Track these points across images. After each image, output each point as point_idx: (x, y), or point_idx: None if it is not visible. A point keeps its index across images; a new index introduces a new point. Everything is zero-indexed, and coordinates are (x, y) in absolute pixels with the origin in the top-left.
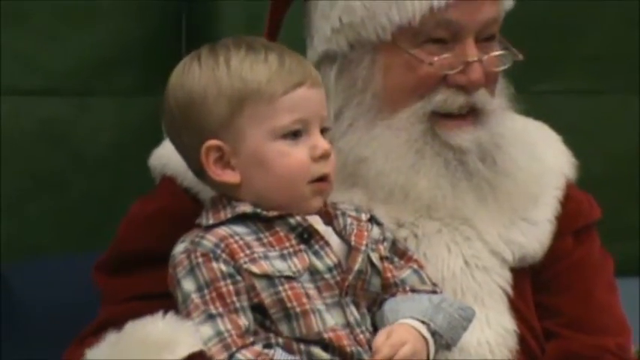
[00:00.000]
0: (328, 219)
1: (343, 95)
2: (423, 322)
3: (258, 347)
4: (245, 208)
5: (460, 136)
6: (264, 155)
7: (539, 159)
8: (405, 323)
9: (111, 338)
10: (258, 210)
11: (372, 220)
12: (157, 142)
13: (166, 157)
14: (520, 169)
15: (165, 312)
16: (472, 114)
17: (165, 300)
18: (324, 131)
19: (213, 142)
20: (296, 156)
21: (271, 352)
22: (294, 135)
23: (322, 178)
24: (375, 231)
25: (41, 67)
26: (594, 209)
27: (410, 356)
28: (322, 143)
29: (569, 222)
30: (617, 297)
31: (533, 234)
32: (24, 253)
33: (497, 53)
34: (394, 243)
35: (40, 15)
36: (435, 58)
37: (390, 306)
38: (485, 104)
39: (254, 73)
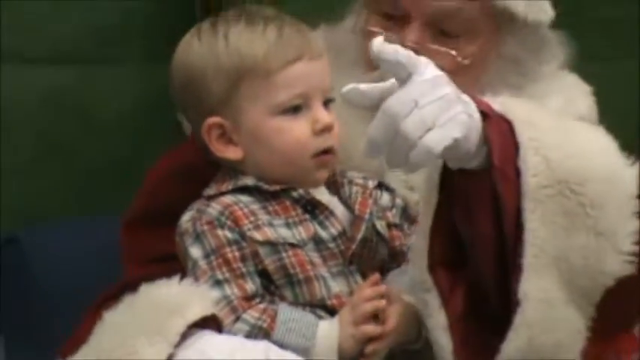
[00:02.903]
0: (335, 188)
1: None
2: None
3: (262, 305)
4: (247, 181)
5: None
6: (264, 132)
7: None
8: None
9: (126, 301)
10: (260, 184)
11: (381, 186)
12: (167, 109)
13: None
14: None
15: (182, 277)
16: None
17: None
18: (327, 102)
19: (214, 119)
20: (296, 131)
21: (275, 307)
22: (295, 110)
23: (326, 151)
24: (385, 197)
25: (50, 35)
26: None
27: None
28: (324, 116)
29: None
30: None
31: None
32: (37, 219)
33: (435, 47)
34: (405, 209)
35: None
36: (380, 31)
37: (388, 279)
38: None
39: (250, 47)
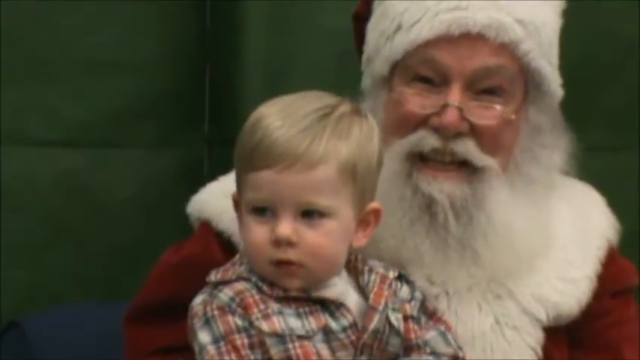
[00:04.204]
0: (355, 274)
1: None
2: None
3: None
4: (250, 275)
5: (433, 185)
6: (242, 223)
7: (585, 220)
8: None
9: None
10: (259, 284)
11: (402, 277)
12: (178, 194)
13: (202, 201)
14: (511, 236)
15: None
16: (461, 169)
17: (187, 352)
18: (310, 215)
19: (235, 193)
20: (256, 234)
21: None
22: (260, 213)
23: (285, 262)
24: (404, 289)
25: (63, 119)
26: (634, 275)
27: None
28: (280, 229)
29: (609, 283)
30: None
31: (571, 292)
32: (43, 303)
33: (478, 103)
34: (423, 303)
35: (63, 67)
36: (417, 97)
37: None
38: (471, 157)
39: (243, 141)
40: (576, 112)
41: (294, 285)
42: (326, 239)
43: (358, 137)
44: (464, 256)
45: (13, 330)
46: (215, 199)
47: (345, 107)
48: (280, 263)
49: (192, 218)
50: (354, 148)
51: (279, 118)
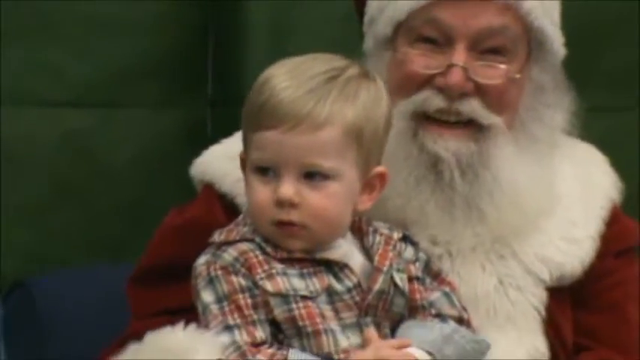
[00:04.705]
0: (359, 235)
1: None
2: (429, 353)
3: (271, 350)
4: (254, 236)
5: (438, 142)
6: (246, 181)
7: (588, 179)
8: (410, 353)
9: (131, 348)
10: (263, 245)
11: (406, 239)
12: (181, 154)
13: (205, 164)
14: (516, 194)
15: (187, 324)
16: (466, 127)
17: (191, 314)
18: (313, 176)
19: (242, 152)
20: (259, 194)
21: (284, 352)
22: (263, 172)
23: (287, 223)
24: (409, 251)
25: (67, 79)
26: (637, 234)
27: None
28: (282, 190)
29: (613, 243)
30: None
31: (574, 252)
32: (46, 265)
33: (483, 63)
34: (427, 263)
35: (67, 26)
36: (421, 58)
37: (401, 331)
38: (477, 116)
39: (251, 100)
40: (578, 73)
41: (295, 246)
42: (329, 201)
43: (365, 101)
44: (470, 215)
45: (19, 290)
46: (218, 162)
47: (354, 70)
48: (282, 224)
49: (196, 180)
50: (360, 112)
51: (287, 78)
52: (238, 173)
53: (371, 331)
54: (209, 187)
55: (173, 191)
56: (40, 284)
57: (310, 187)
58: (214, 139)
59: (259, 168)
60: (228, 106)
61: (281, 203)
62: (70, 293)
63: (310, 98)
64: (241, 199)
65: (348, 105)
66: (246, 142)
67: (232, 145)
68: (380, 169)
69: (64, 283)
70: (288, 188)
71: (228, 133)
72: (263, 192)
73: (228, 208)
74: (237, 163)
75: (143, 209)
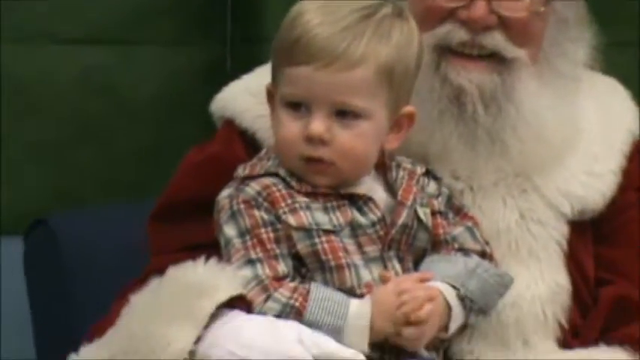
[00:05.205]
0: (382, 170)
1: None
2: (454, 287)
3: (293, 284)
4: (278, 170)
5: (462, 74)
6: (275, 115)
7: (609, 113)
8: (435, 287)
9: (153, 284)
10: (288, 179)
11: (429, 173)
12: (201, 92)
13: (225, 99)
14: (540, 128)
15: (208, 259)
16: (490, 60)
17: (213, 249)
18: (344, 115)
19: (269, 84)
20: (289, 129)
21: (307, 286)
22: (294, 107)
23: (315, 159)
24: (432, 185)
25: (84, 16)
26: None
27: (428, 316)
28: (313, 126)
29: (634, 177)
30: None
31: (595, 186)
32: (69, 203)
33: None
34: (450, 198)
35: None
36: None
37: (424, 266)
38: (501, 49)
39: (282, 34)
40: (601, 7)
41: (322, 182)
42: (358, 140)
43: (398, 40)
44: (492, 148)
45: (40, 227)
46: (238, 97)
47: (388, 9)
48: (310, 160)
49: (216, 117)
50: (393, 52)
51: (320, 14)
52: (259, 109)
53: (387, 272)
54: (229, 123)
55: (193, 128)
56: (62, 222)
57: (341, 126)
58: (234, 75)
59: (290, 103)
60: (247, 42)
61: (311, 139)
62: (92, 230)
63: (345, 36)
64: (262, 134)
65: (382, 45)
66: (275, 76)
67: (253, 80)
68: (409, 108)
69: (86, 220)
70: (319, 125)
71: (247, 69)
72: (293, 127)
73: (248, 144)
74: (258, 99)
75: (163, 147)
